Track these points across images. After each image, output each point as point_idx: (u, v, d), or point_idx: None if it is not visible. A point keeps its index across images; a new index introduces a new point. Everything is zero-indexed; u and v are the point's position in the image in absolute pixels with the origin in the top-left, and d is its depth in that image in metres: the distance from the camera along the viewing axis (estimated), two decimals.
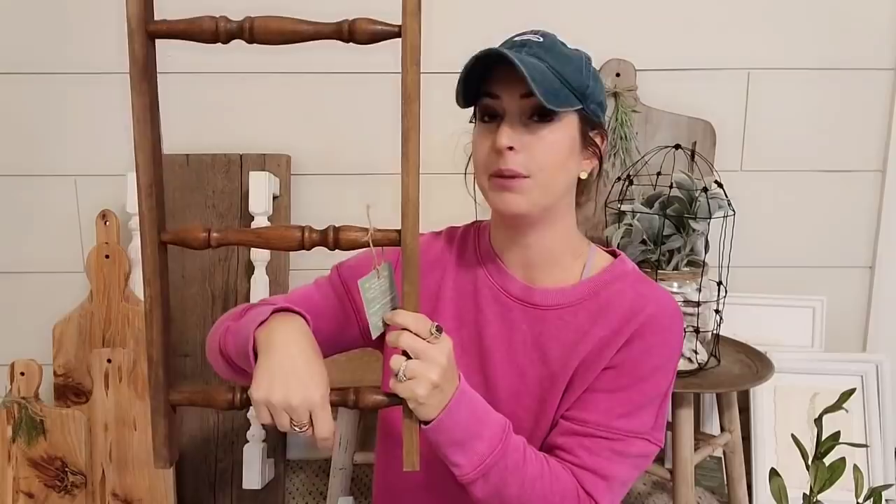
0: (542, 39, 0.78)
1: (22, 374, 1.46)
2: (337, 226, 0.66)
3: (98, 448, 1.50)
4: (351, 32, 0.61)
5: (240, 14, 0.63)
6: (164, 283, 0.68)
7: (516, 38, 0.79)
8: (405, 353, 0.67)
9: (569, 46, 0.81)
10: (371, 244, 0.65)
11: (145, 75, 0.63)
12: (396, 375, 0.66)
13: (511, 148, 0.76)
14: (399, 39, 0.62)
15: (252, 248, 1.67)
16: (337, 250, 0.67)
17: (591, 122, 0.81)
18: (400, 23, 0.62)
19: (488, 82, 0.77)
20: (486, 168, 0.79)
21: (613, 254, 0.89)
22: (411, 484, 0.88)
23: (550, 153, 0.77)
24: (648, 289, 0.83)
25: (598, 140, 0.83)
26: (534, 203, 0.78)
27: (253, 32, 0.61)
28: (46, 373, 1.53)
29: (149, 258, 0.66)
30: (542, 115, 0.76)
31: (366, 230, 0.65)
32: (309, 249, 0.66)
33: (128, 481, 1.50)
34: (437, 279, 0.89)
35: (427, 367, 0.66)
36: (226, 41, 0.61)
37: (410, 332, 0.66)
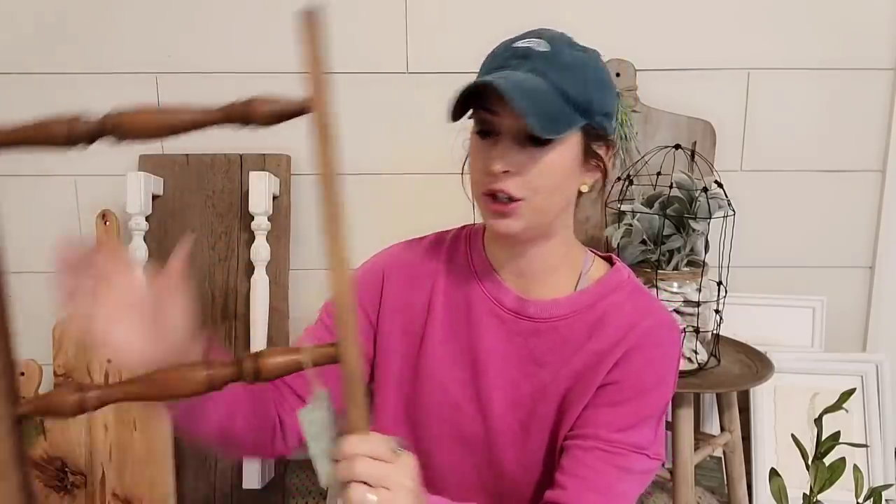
0: (547, 48, 0.72)
1: (22, 374, 1.46)
2: (257, 351, 0.52)
3: (98, 448, 1.50)
4: (246, 115, 0.48)
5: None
6: (26, 472, 0.50)
7: (519, 45, 0.74)
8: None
9: (578, 46, 0.76)
10: (309, 366, 0.51)
11: None
12: None
13: (506, 171, 0.73)
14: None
15: (252, 248, 1.67)
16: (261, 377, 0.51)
17: (596, 136, 0.77)
18: (306, 97, 0.50)
19: (486, 96, 0.73)
20: (479, 185, 0.76)
21: (610, 260, 0.87)
22: None
23: (546, 177, 0.74)
24: (645, 301, 0.82)
25: (602, 152, 0.79)
26: (528, 226, 0.76)
27: (121, 130, 0.47)
28: (46, 373, 1.53)
29: (2, 441, 0.48)
30: (540, 138, 0.72)
31: (297, 350, 0.51)
32: (220, 389, 0.51)
33: (128, 481, 1.50)
34: (427, 290, 0.86)
35: (395, 497, 0.55)
36: (88, 142, 0.49)
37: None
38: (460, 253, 0.88)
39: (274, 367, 0.50)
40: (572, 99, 0.71)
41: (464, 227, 0.92)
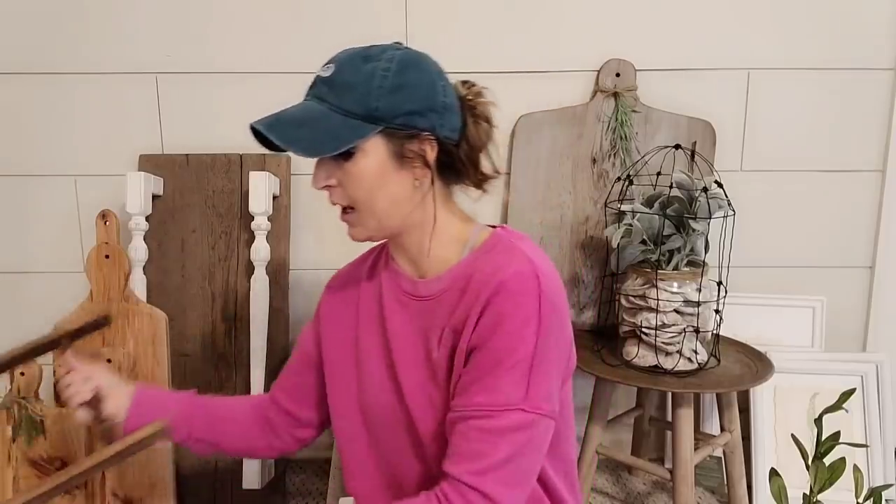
0: (329, 73, 0.79)
1: (22, 374, 1.46)
2: None
3: (98, 448, 1.50)
4: None
5: None
6: None
7: (316, 75, 0.82)
8: None
9: (373, 59, 0.79)
10: None
11: None
12: None
13: (329, 185, 0.82)
14: None
15: (252, 248, 1.67)
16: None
17: (405, 136, 0.79)
18: None
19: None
20: None
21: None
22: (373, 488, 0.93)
23: (358, 186, 0.80)
24: (507, 257, 0.81)
25: (417, 147, 0.80)
26: (370, 230, 0.84)
27: None
28: (46, 373, 1.52)
29: None
30: (346, 152, 0.78)
31: None
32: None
33: (128, 481, 1.50)
34: (357, 290, 0.95)
35: None
36: None
37: None
38: (384, 253, 0.95)
39: None
40: (354, 112, 0.77)
41: None
